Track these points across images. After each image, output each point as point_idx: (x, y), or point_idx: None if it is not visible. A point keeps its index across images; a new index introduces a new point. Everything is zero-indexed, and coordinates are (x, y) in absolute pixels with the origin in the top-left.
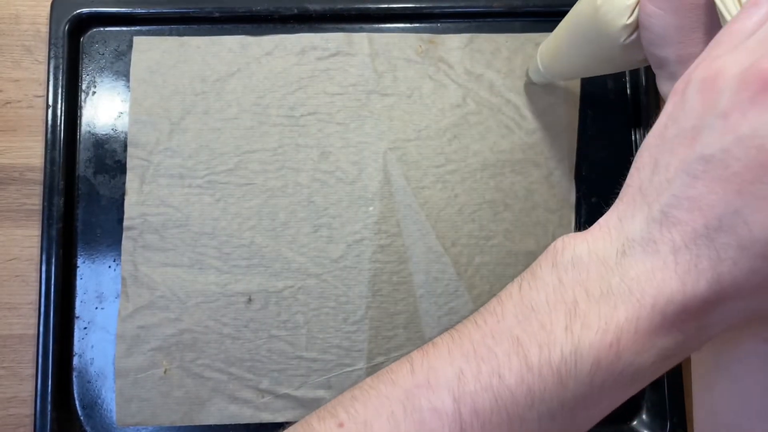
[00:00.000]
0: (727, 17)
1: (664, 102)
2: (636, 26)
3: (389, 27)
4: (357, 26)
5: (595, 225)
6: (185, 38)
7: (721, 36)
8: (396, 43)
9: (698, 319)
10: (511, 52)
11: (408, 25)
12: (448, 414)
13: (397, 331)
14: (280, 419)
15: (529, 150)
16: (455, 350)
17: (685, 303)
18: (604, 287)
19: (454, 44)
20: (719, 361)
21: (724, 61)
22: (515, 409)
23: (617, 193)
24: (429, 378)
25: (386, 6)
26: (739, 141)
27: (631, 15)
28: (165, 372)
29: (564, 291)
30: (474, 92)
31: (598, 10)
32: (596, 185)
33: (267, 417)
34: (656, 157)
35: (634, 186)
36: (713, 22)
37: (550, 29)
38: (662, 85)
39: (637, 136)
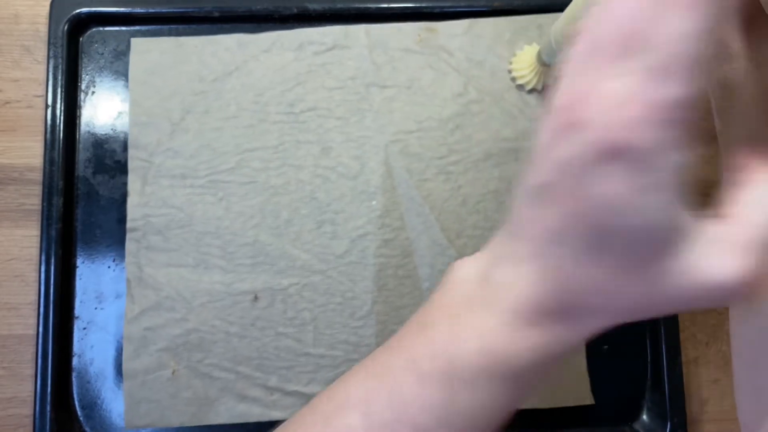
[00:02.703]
0: None
1: None
2: None
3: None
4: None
5: (484, 248)
6: (183, 38)
7: None
8: (394, 34)
9: (560, 319)
10: (513, 34)
11: (408, 23)
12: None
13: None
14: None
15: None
16: (365, 371)
17: (540, 306)
18: (479, 299)
19: (455, 31)
20: (758, 338)
21: None
22: (413, 420)
23: None
24: (344, 400)
25: (386, 6)
26: (556, 167)
27: None
28: (173, 373)
29: (450, 307)
30: (476, 80)
31: None
32: None
33: (276, 415)
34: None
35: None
36: None
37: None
38: None
39: None
